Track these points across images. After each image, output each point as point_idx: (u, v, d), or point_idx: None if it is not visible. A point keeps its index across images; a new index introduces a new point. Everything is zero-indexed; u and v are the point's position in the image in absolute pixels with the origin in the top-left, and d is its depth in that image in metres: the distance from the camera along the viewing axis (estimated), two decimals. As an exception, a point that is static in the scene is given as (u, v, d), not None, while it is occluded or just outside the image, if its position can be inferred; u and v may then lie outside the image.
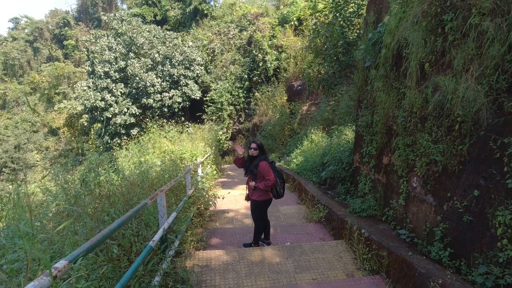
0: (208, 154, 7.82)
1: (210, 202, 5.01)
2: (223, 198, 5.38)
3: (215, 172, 7.67)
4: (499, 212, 2.58)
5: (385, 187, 4.65)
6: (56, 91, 40.78)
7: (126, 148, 7.49)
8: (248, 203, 4.92)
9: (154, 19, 27.43)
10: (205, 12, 24.15)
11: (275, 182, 4.06)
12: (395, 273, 3.03)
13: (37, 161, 35.47)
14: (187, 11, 25.13)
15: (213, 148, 8.51)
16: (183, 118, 19.06)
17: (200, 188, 5.13)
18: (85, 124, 27.00)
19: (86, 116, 19.97)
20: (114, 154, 7.71)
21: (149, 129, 8.12)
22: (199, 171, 6.16)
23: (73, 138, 32.57)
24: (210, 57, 20.22)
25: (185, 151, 6.55)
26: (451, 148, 3.12)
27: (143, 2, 28.66)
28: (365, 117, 5.08)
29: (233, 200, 6.14)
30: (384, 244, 3.05)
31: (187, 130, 10.98)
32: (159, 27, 20.26)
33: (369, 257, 3.25)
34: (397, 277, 2.99)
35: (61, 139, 35.79)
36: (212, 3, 25.74)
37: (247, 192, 4.29)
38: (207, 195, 5.13)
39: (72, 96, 30.22)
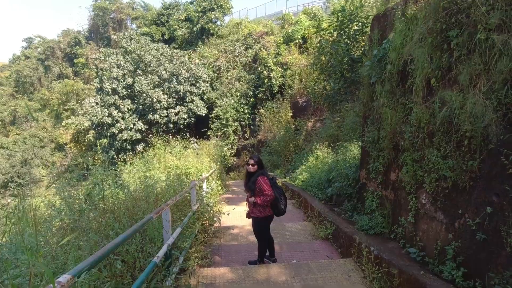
0: (213, 169, 7.79)
1: (215, 218, 4.94)
2: (228, 214, 5.30)
3: (220, 188, 7.61)
4: (514, 230, 2.50)
5: (393, 204, 4.55)
6: (65, 107, 41.57)
7: (131, 163, 7.52)
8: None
9: (162, 37, 28.22)
10: (211, 31, 24.79)
11: (275, 198, 3.97)
12: (406, 294, 2.91)
13: (43, 176, 35.69)
14: (194, 30, 25.83)
15: (218, 163, 8.49)
16: (188, 134, 19.21)
17: (205, 204, 5.07)
18: (92, 140, 27.31)
19: (93, 132, 20.22)
20: (119, 169, 7.73)
21: (155, 144, 8.17)
22: (204, 186, 6.12)
23: (79, 154, 32.89)
24: (216, 74, 20.58)
25: (190, 166, 6.54)
26: (461, 163, 3.06)
27: (152, 22, 29.59)
28: (371, 133, 5.05)
29: (238, 216, 6.05)
30: (395, 263, 2.94)
31: (193, 146, 11.02)
32: (167, 45, 20.79)
33: (379, 276, 3.13)
34: (409, 297, 2.87)
35: (67, 154, 36.16)
36: (218, 22, 26.45)
37: (248, 209, 4.23)
38: (211, 211, 5.06)
39: (80, 112, 30.79)
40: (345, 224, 4.40)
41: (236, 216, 6.00)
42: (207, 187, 6.39)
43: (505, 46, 2.59)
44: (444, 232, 3.38)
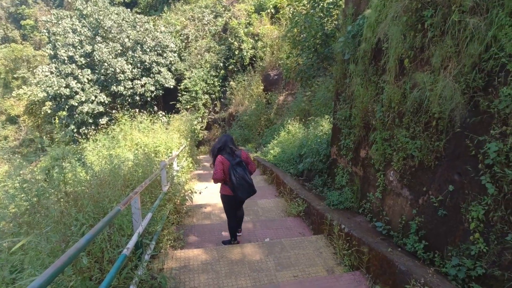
0: (184, 146, 7.55)
1: (187, 197, 4.85)
2: (200, 193, 5.22)
3: (191, 164, 7.44)
4: (472, 207, 2.67)
5: (362, 180, 4.72)
6: (14, 75, 37.70)
7: (93, 139, 7.04)
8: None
9: (122, 1, 25.86)
10: (178, -5, 23.09)
11: (218, 178, 3.85)
12: (375, 270, 3.08)
13: (-6, 151, 32.87)
14: (159, -7, 23.91)
15: (189, 139, 8.24)
16: (156, 108, 18.37)
17: (176, 183, 4.93)
18: (49, 112, 25.26)
19: (50, 103, 18.66)
20: (81, 146, 7.22)
21: (119, 119, 7.66)
22: (175, 164, 5.92)
23: (34, 127, 30.46)
24: (184, 44, 19.48)
25: (159, 144, 6.26)
26: (428, 144, 3.17)
27: (110, -19, 26.82)
28: (343, 110, 5.10)
29: (210, 193, 5.99)
30: (364, 240, 3.08)
31: (161, 120, 10.56)
32: (129, 9, 19.12)
33: (349, 253, 3.29)
34: (377, 273, 3.05)
35: (21, 128, 33.34)
36: (185, -14, 24.62)
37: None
38: (183, 190, 4.95)
39: (32, 81, 28.09)
40: (317, 201, 4.52)
41: (208, 194, 5.94)
42: (177, 165, 6.20)
43: (477, 29, 2.61)
44: (408, 207, 3.57)
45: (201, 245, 3.78)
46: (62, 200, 2.66)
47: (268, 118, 13.21)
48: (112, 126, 7.47)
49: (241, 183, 3.77)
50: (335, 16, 5.43)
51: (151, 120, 8.30)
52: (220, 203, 5.62)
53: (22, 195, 2.96)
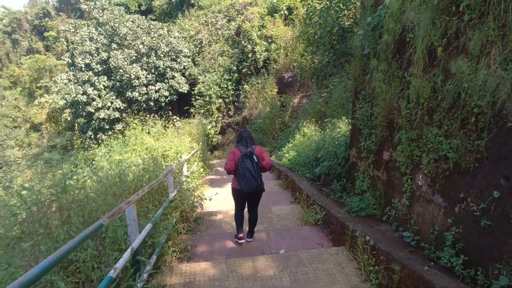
0: (195, 150, 7.32)
1: (196, 204, 4.58)
2: (210, 200, 4.94)
3: (202, 169, 7.19)
4: (526, 217, 2.24)
5: (385, 185, 4.31)
6: (38, 84, 39.22)
7: (105, 144, 6.94)
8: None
9: (138, 9, 26.40)
10: (192, 2, 23.28)
11: (228, 168, 3.95)
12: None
13: (18, 158, 34.19)
14: (173, 0, 24.22)
15: (201, 143, 8.01)
16: (170, 113, 18.41)
17: (185, 189, 4.68)
18: (69, 119, 25.95)
19: (69, 110, 19.09)
20: (91, 151, 7.14)
21: (130, 124, 7.56)
22: (184, 169, 5.69)
23: (56, 134, 31.37)
24: (197, 49, 19.52)
25: (168, 148, 6.04)
26: (466, 143, 2.76)
27: (127, -9, 27.47)
28: (363, 109, 4.71)
29: (222, 200, 5.70)
30: (394, 255, 2.69)
31: (174, 125, 10.43)
32: (143, 17, 19.38)
33: (376, 270, 2.89)
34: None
35: (43, 135, 34.47)
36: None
37: None
38: (192, 197, 4.69)
39: (53, 90, 29.02)
40: (336, 209, 4.13)
41: (219, 200, 5.65)
42: (187, 170, 5.96)
43: (527, 6, 2.21)
44: (442, 216, 3.14)
45: (210, 257, 3.48)
46: (53, 210, 2.44)
47: (283, 121, 12.87)
48: (125, 132, 7.37)
49: (245, 174, 3.82)
50: (353, 10, 5.07)
51: (163, 124, 8.13)
52: (231, 210, 5.34)
53: (22, 204, 2.77)
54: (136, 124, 7.40)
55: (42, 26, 46.97)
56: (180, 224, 3.83)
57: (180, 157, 5.83)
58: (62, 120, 28.90)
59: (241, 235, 4.16)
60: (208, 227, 4.39)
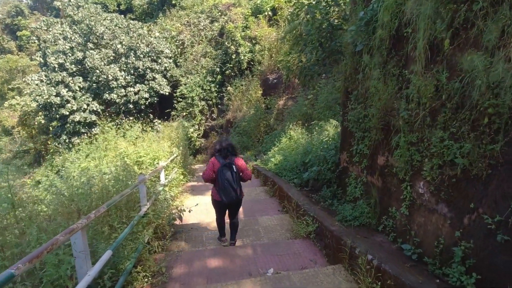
0: (175, 155, 6.80)
1: (175, 215, 4.10)
2: (189, 211, 4.45)
3: (182, 176, 6.65)
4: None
5: (381, 192, 4.00)
6: (9, 86, 37.19)
7: (76, 150, 6.32)
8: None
9: (117, 8, 25.48)
10: (173, 1, 22.68)
11: (205, 178, 4.00)
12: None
13: (-13, 163, 32.19)
14: (154, 0, 23.52)
15: (181, 147, 7.48)
16: (151, 116, 17.69)
17: (161, 200, 4.19)
18: (42, 122, 24.60)
19: (41, 113, 17.98)
20: (61, 157, 6.48)
21: (103, 127, 6.96)
22: (162, 177, 5.18)
23: (29, 138, 29.68)
24: (179, 50, 18.92)
25: (143, 154, 5.50)
26: (477, 147, 2.46)
27: (105, -11, 26.49)
28: (356, 111, 4.40)
29: (203, 210, 5.22)
30: (404, 280, 2.33)
31: (157, 129, 9.84)
32: (122, 16, 18.61)
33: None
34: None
35: (15, 139, 32.57)
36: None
37: None
38: (170, 208, 4.21)
39: (26, 91, 27.44)
40: (330, 220, 3.77)
41: (201, 210, 5.17)
42: (166, 178, 5.45)
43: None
44: (448, 228, 2.84)
45: (188, 280, 3.01)
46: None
47: (268, 124, 12.52)
48: (97, 136, 6.76)
49: (224, 185, 3.88)
50: (342, 5, 4.79)
51: (141, 127, 7.52)
52: (214, 222, 4.89)
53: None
54: (110, 127, 6.79)
55: (15, 25, 44.83)
56: (155, 242, 3.34)
57: (157, 163, 5.30)
58: (36, 123, 27.35)
59: (223, 238, 4.31)
60: (187, 241, 3.91)
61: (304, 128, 9.00)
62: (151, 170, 4.99)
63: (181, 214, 4.26)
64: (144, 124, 7.51)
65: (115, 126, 7.08)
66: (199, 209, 5.10)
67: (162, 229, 3.77)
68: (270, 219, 4.64)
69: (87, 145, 6.32)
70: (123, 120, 6.82)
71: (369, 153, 4.24)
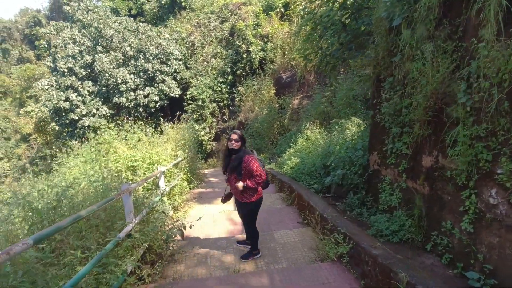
0: (180, 159, 6.13)
1: (174, 230, 3.41)
2: (190, 227, 3.72)
3: (186, 183, 5.92)
4: None
5: (428, 201, 3.19)
6: (27, 94, 38.08)
7: (75, 154, 5.79)
8: (230, 219, 4.59)
9: (129, 13, 25.43)
10: (183, 4, 22.36)
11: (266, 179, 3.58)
12: None
13: (7, 170, 32.90)
14: (164, 3, 23.27)
15: (187, 151, 6.81)
16: (162, 119, 17.26)
17: (158, 211, 3.52)
18: (57, 128, 24.73)
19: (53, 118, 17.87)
20: (59, 161, 5.97)
21: (100, 128, 6.46)
22: (161, 183, 4.50)
23: (45, 144, 30.02)
24: (189, 51, 18.46)
25: (139, 158, 4.83)
26: None
27: (116, -5, 26.57)
28: (392, 101, 3.61)
29: (211, 221, 4.51)
30: None
31: (160, 130, 9.26)
32: (132, 18, 18.37)
33: None
34: None
35: (32, 146, 33.10)
36: (190, -6, 23.96)
37: (226, 191, 3.79)
38: (169, 222, 3.53)
39: (41, 98, 27.74)
40: (368, 239, 2.98)
41: (207, 221, 4.46)
42: (167, 184, 4.78)
43: None
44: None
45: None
46: None
47: (282, 125, 11.76)
48: (97, 140, 6.22)
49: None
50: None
51: (150, 130, 6.85)
52: (222, 234, 4.17)
53: None
54: (112, 129, 6.22)
55: (33, 35, 46.11)
56: (144, 269, 2.63)
57: (155, 168, 4.62)
58: (50, 129, 27.58)
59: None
60: (188, 264, 3.19)
61: (322, 128, 8.21)
62: (144, 176, 4.33)
63: (182, 229, 3.58)
64: (148, 126, 6.91)
65: (116, 128, 6.51)
66: (205, 221, 4.40)
67: (158, 248, 3.08)
68: (289, 234, 3.87)
69: (86, 150, 5.77)
70: (126, 123, 6.26)
71: (409, 153, 3.44)
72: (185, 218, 3.85)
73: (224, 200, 3.79)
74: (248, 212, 3.53)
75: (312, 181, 5.98)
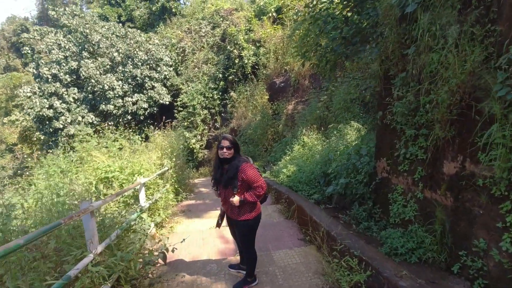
0: (166, 168, 5.55)
1: (155, 255, 2.84)
2: (173, 251, 3.14)
3: (172, 195, 5.29)
4: None
5: (453, 215, 2.73)
6: (13, 103, 37.02)
7: (49, 164, 5.19)
8: (221, 237, 4.04)
9: (118, 20, 24.96)
10: (174, 10, 22.02)
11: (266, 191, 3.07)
12: None
13: (-11, 182, 31.52)
14: (154, 9, 22.90)
15: (175, 159, 6.23)
16: (152, 127, 16.64)
17: (138, 231, 2.97)
18: (42, 138, 23.82)
19: (35, 126, 17.10)
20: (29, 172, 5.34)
21: (77, 135, 5.88)
22: (141, 198, 3.92)
23: (30, 155, 28.92)
24: (180, 57, 18.01)
25: (115, 168, 4.23)
26: None
27: (106, 1, 26.16)
28: (405, 100, 3.17)
29: (199, 238, 3.92)
30: None
31: (143, 136, 8.66)
32: (120, 24, 17.88)
33: None
34: None
35: (17, 156, 31.90)
36: (181, 1, 23.70)
37: (221, 212, 3.21)
38: (149, 243, 2.97)
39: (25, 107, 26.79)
40: (390, 265, 2.48)
41: (195, 239, 3.87)
42: (149, 198, 4.18)
43: None
44: None
45: None
46: None
47: (276, 131, 11.31)
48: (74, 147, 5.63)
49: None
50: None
51: (125, 136, 6.19)
52: (212, 256, 3.60)
53: None
54: (91, 136, 5.63)
55: (20, 43, 45.20)
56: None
57: (134, 180, 4.02)
58: (36, 138, 26.60)
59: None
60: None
61: (319, 133, 7.78)
62: (115, 190, 3.75)
63: (165, 251, 3.02)
64: (133, 133, 6.33)
65: (96, 135, 5.93)
66: (192, 239, 3.83)
67: (132, 278, 2.53)
68: (290, 254, 3.33)
69: (59, 160, 5.17)
70: (107, 129, 5.68)
71: (427, 158, 2.99)
72: (168, 238, 3.24)
73: (220, 224, 3.23)
74: (246, 231, 2.99)
75: (311, 191, 5.50)
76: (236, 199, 2.83)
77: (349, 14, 3.82)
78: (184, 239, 3.30)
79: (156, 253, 2.95)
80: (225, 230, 4.44)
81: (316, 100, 9.40)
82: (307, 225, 3.88)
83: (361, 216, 4.13)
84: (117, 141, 5.63)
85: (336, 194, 4.86)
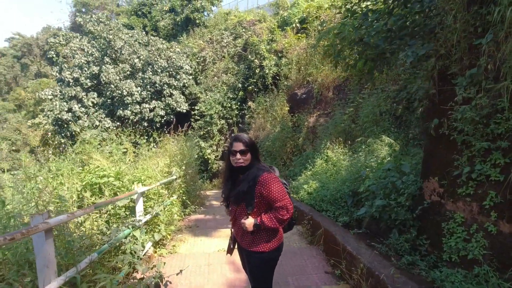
0: (174, 177, 4.99)
1: (153, 279, 2.24)
2: (166, 286, 2.48)
3: (176, 208, 4.59)
4: None
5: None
6: (40, 107, 38.51)
7: (49, 167, 4.78)
8: (231, 262, 3.29)
9: (143, 30, 25.55)
10: (197, 21, 22.20)
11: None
12: None
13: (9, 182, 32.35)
14: (178, 20, 23.20)
15: (185, 167, 5.67)
16: (168, 134, 16.39)
17: (126, 253, 2.38)
18: (62, 141, 24.18)
19: (52, 128, 17.23)
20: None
21: (77, 137, 5.54)
22: (138, 210, 3.32)
23: (49, 157, 29.55)
24: (200, 67, 17.88)
25: (108, 173, 3.67)
26: None
27: (132, 12, 26.94)
28: (474, 103, 2.47)
29: (204, 263, 3.24)
30: None
31: (157, 142, 8.21)
32: (143, 32, 18.06)
33: None
34: None
35: (38, 158, 32.81)
36: (205, 13, 23.91)
37: (232, 237, 2.36)
38: (141, 268, 2.38)
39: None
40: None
41: (199, 265, 3.20)
42: (145, 212, 3.53)
43: None
44: None
45: None
46: None
47: (296, 144, 10.63)
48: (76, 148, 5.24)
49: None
50: None
51: (130, 140, 5.73)
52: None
53: None
54: (95, 139, 5.23)
55: (50, 50, 47.53)
56: None
57: (131, 189, 3.45)
58: (56, 142, 27.12)
59: None
60: None
61: (346, 148, 7.06)
62: (106, 199, 3.18)
63: (159, 281, 2.38)
64: (141, 137, 5.87)
65: (99, 137, 5.53)
66: (196, 265, 3.17)
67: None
68: (316, 294, 2.62)
69: (62, 160, 4.77)
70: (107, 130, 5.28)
71: (507, 180, 2.26)
72: (164, 264, 2.58)
73: (232, 250, 2.40)
74: (260, 268, 2.16)
75: (337, 212, 4.77)
76: (249, 222, 2.05)
77: (395, 3, 3.22)
78: (181, 271, 2.58)
79: (149, 282, 2.33)
80: (237, 254, 3.78)
81: (341, 113, 8.70)
82: (336, 255, 3.16)
83: (402, 248, 3.37)
84: (122, 144, 5.15)
85: (369, 218, 4.12)
